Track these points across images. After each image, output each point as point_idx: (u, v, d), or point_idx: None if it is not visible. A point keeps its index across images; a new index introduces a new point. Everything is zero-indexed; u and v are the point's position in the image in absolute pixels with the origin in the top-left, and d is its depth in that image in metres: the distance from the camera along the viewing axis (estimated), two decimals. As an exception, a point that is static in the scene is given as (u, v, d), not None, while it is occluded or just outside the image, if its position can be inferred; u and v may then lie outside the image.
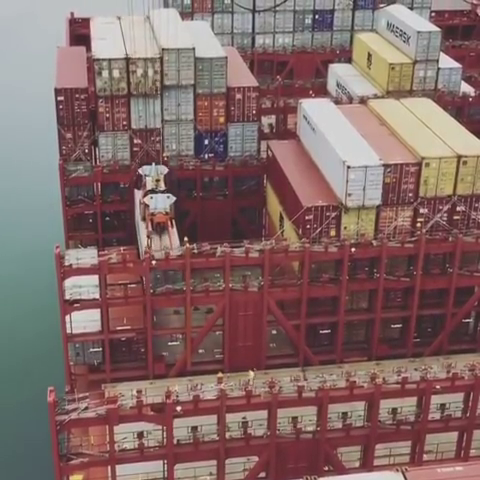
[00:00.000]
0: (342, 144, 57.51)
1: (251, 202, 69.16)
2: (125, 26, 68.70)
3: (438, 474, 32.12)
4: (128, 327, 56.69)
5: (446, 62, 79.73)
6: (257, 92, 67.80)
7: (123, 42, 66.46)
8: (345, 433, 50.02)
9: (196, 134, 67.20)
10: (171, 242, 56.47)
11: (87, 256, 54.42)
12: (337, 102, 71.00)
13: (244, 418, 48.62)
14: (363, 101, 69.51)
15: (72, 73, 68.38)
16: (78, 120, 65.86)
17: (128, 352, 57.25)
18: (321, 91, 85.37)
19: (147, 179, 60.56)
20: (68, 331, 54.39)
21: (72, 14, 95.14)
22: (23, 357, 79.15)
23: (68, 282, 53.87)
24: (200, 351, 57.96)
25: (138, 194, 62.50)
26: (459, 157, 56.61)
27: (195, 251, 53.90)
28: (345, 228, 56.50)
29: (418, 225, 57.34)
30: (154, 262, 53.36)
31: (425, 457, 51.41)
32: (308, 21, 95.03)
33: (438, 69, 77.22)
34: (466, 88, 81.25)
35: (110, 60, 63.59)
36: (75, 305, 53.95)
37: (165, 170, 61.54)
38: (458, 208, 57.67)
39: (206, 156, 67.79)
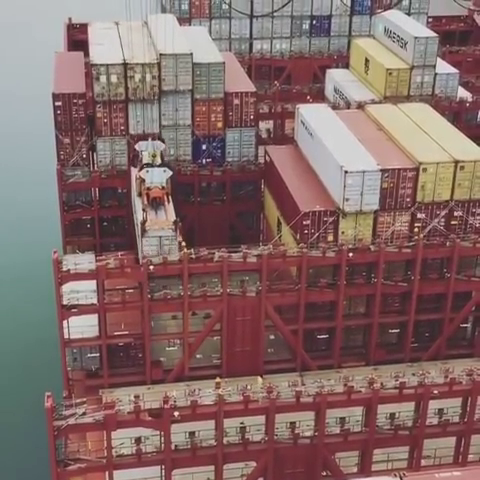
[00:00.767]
0: (339, 149, 57.58)
1: (249, 207, 69.18)
2: (123, 31, 68.94)
3: (436, 479, 32.09)
4: (126, 332, 56.64)
5: (443, 67, 79.81)
6: (255, 97, 67.87)
7: (121, 47, 66.51)
8: (343, 438, 50.00)
9: (194, 139, 67.21)
10: (167, 217, 55.59)
11: (85, 261, 54.25)
12: (334, 107, 71.12)
13: (242, 423, 48.57)
14: (360, 106, 69.74)
15: (70, 78, 68.42)
16: (76, 125, 65.84)
17: (126, 357, 57.09)
18: (319, 96, 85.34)
19: (143, 154, 59.40)
20: (66, 336, 54.25)
21: (70, 19, 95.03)
22: (21, 362, 79.13)
23: (66, 287, 53.72)
24: (198, 356, 57.82)
25: (134, 171, 61.10)
26: (456, 162, 56.70)
27: (193, 256, 53.93)
28: (343, 233, 56.52)
29: (416, 230, 57.34)
30: (152, 267, 53.36)
31: (423, 462, 51.44)
32: (306, 26, 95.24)
33: (435, 74, 77.42)
34: (463, 93, 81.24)
35: (108, 65, 63.62)
36: (73, 310, 53.87)
37: (162, 146, 60.63)
38: (455, 213, 57.73)
39: (204, 161, 67.76)
